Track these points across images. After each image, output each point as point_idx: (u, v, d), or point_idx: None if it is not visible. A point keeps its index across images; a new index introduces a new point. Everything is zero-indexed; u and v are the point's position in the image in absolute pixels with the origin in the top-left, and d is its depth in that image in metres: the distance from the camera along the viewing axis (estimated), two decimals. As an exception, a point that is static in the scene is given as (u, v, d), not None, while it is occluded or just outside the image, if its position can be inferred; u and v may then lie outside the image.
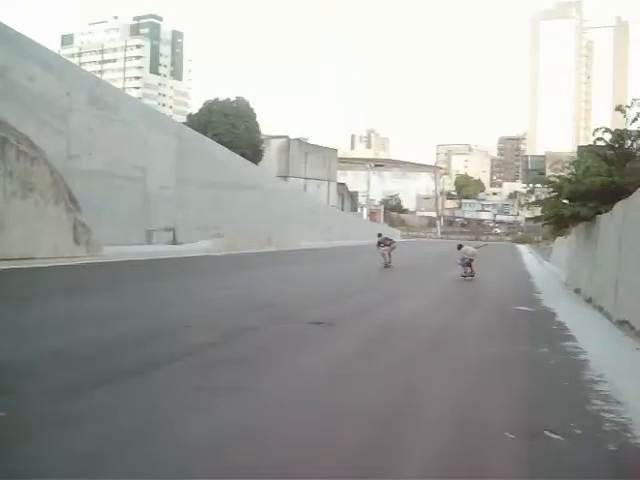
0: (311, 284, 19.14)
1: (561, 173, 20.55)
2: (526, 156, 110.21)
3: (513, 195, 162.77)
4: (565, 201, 18.99)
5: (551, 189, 19.90)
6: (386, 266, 26.53)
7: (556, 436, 5.31)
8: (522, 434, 5.36)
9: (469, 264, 23.06)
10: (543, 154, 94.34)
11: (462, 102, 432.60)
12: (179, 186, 31.44)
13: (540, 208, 21.16)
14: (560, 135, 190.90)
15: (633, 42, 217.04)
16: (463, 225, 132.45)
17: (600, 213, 16.74)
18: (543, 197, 21.89)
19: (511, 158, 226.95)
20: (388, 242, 27.33)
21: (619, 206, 13.55)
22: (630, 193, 15.88)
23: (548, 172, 75.50)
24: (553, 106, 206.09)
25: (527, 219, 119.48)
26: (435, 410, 6.18)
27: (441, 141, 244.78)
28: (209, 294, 14.92)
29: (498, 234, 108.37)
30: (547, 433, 5.37)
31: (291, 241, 40.32)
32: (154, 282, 17.22)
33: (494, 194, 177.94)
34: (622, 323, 11.78)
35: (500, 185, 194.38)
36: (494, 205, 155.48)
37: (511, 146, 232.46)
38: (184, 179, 31.78)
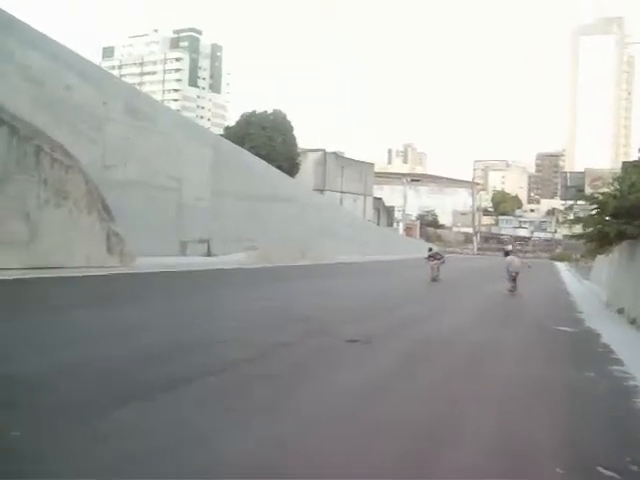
0: (347, 298, 18.78)
1: (604, 189, 19.90)
2: (565, 172, 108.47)
3: (551, 212, 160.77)
4: (607, 218, 18.43)
5: (594, 206, 19.31)
6: (434, 279, 27.40)
7: (611, 473, 4.88)
8: (573, 470, 4.95)
9: (514, 279, 22.95)
10: (582, 171, 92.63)
11: (500, 117, 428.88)
12: (215, 198, 31.34)
13: (581, 225, 20.56)
14: (599, 152, 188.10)
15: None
16: (500, 242, 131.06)
17: (648, 231, 16.21)
18: (582, 214, 21.32)
19: (549, 175, 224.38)
20: (438, 257, 28.70)
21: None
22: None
23: (587, 189, 74.35)
24: (592, 122, 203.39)
25: (565, 236, 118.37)
26: (473, 445, 5.55)
27: (478, 157, 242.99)
28: (243, 306, 14.72)
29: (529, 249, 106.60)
30: (600, 469, 4.94)
31: (326, 255, 39.96)
32: (187, 294, 16.98)
33: (532, 211, 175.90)
34: (670, 347, 11.30)
35: (538, 202, 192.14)
36: (531, 222, 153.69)
37: (549, 162, 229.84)
38: (220, 191, 31.67)
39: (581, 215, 23.32)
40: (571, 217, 22.95)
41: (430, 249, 30.24)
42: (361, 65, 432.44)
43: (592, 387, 8.27)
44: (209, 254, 30.65)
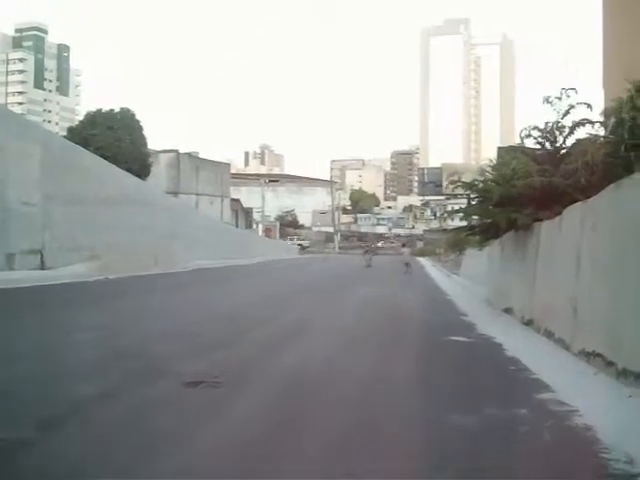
0: (195, 318, 14.78)
1: (483, 177, 17.94)
2: (422, 168, 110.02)
3: (408, 208, 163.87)
4: (491, 208, 16.48)
5: (475, 195, 17.33)
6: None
7: None
8: None
9: (407, 264, 30.60)
10: (439, 166, 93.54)
11: (355, 117, 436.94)
12: (47, 202, 27.27)
13: (461, 217, 18.60)
14: (451, 149, 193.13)
15: (518, 58, 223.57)
16: (360, 239, 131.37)
17: (538, 220, 14.25)
18: (438, 209, 19.59)
19: (404, 172, 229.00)
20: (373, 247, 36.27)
21: (576, 211, 10.93)
22: (571, 196, 13.50)
23: (445, 183, 74.74)
24: (444, 121, 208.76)
25: (425, 231, 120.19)
26: None
27: (335, 157, 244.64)
28: (52, 338, 10.89)
29: (393, 246, 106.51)
30: None
31: (180, 261, 36.70)
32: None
33: (389, 208, 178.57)
34: (590, 355, 9.14)
35: (395, 199, 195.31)
36: (389, 219, 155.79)
37: (404, 160, 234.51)
38: (53, 194, 27.56)
39: (449, 209, 21.61)
40: (429, 212, 21.12)
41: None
42: (216, 66, 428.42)
43: (539, 438, 5.79)
44: (43, 267, 26.68)
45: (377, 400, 7.32)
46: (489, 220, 16.55)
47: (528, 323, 13.83)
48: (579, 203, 10.89)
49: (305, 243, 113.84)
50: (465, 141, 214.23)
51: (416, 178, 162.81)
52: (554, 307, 11.76)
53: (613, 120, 11.79)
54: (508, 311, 16.48)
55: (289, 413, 6.65)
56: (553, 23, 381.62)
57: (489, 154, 20.39)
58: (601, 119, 14.47)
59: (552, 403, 7.08)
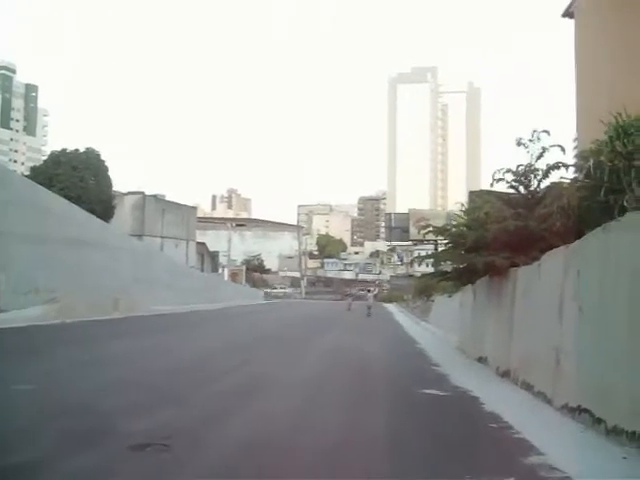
0: (147, 369, 13.52)
1: (455, 221, 17.47)
2: (389, 214, 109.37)
3: (375, 254, 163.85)
4: (462, 252, 15.94)
5: (447, 240, 16.80)
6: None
7: None
8: None
9: (369, 307, 39.92)
10: (406, 212, 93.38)
11: (323, 163, 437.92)
12: (2, 240, 26.16)
13: (432, 262, 18.03)
14: (418, 195, 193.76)
15: (484, 105, 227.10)
16: (326, 285, 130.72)
17: (514, 265, 13.70)
18: (405, 255, 19.13)
19: (371, 218, 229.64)
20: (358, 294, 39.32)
21: (558, 256, 10.34)
22: (547, 241, 13.01)
23: (412, 229, 74.69)
24: (411, 167, 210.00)
25: (392, 277, 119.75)
26: None
27: (302, 202, 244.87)
28: None
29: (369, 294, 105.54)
30: None
31: (142, 306, 35.57)
32: None
33: (356, 253, 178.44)
34: (574, 411, 8.50)
35: (362, 244, 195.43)
36: (356, 264, 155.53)
37: (371, 206, 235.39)
38: (8, 232, 26.47)
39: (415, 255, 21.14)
40: (396, 258, 20.76)
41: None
42: (185, 109, 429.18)
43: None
44: (-5, 310, 25.47)
45: (346, 466, 6.55)
46: (462, 265, 15.96)
47: (504, 374, 13.17)
48: (561, 247, 10.33)
49: (287, 290, 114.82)
50: (432, 187, 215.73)
51: (383, 224, 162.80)
52: (533, 357, 11.14)
53: (591, 163, 11.35)
54: (482, 360, 15.82)
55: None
56: (521, 70, 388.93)
57: (456, 200, 20.02)
58: (574, 162, 14.14)
59: (543, 469, 6.36)
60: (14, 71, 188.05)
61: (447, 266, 17.34)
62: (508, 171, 15.44)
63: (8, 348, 16.33)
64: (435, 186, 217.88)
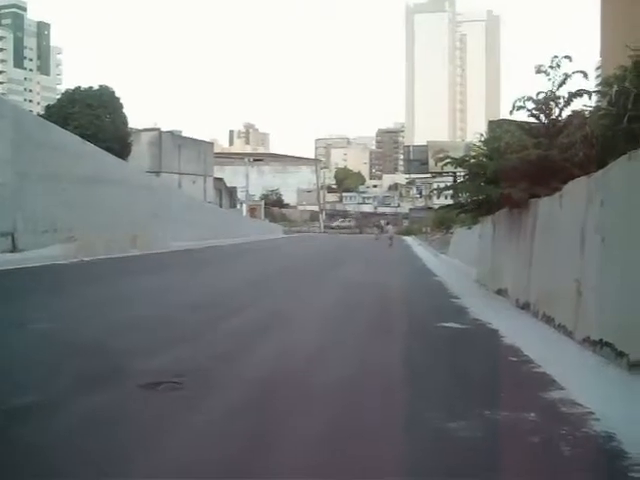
0: (165, 305, 13.31)
1: (473, 152, 17.09)
2: (408, 146, 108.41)
3: (393, 187, 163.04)
4: (482, 184, 15.60)
5: (465, 171, 16.48)
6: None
7: None
8: None
9: (391, 238, 40.38)
10: (425, 144, 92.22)
11: (340, 95, 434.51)
12: (18, 180, 26.12)
13: (451, 194, 17.76)
14: (437, 127, 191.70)
15: (504, 34, 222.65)
16: (345, 218, 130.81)
17: (534, 196, 13.40)
18: (424, 187, 18.82)
19: (390, 150, 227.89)
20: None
21: (581, 186, 10.05)
22: (568, 171, 12.68)
23: (431, 161, 73.86)
24: (429, 99, 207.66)
25: (411, 209, 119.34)
26: None
27: (320, 135, 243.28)
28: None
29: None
30: None
31: (160, 242, 35.63)
32: None
33: (374, 186, 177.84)
34: (596, 344, 8.32)
35: (380, 177, 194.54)
36: (375, 197, 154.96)
37: (389, 138, 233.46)
38: (24, 173, 26.36)
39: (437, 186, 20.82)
40: (414, 190, 20.38)
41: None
42: (201, 44, 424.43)
43: (555, 452, 4.92)
44: (14, 249, 25.53)
45: (364, 403, 6.46)
46: (481, 197, 15.65)
47: (524, 307, 13.00)
48: (583, 177, 10.01)
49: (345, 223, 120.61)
50: (451, 119, 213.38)
51: (401, 156, 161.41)
52: (554, 290, 10.92)
53: (615, 89, 10.92)
54: (501, 292, 15.65)
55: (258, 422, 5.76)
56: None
57: (475, 131, 19.48)
58: (598, 89, 13.68)
59: (564, 404, 6.22)
60: (24, 9, 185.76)
61: (466, 198, 17.00)
62: (529, 99, 14.99)
63: (27, 287, 16.43)
64: (454, 117, 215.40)
